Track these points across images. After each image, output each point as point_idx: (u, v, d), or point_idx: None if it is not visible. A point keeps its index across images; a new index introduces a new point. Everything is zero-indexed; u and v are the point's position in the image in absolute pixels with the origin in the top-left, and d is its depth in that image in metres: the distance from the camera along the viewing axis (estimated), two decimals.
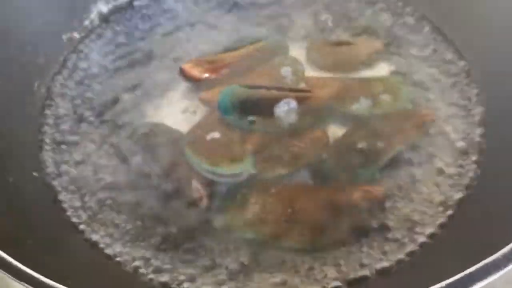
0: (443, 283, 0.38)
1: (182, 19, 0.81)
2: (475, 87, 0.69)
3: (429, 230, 0.56)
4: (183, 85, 0.71)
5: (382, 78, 0.71)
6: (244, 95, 0.65)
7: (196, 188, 0.59)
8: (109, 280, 0.54)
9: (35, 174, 0.63)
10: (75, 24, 0.80)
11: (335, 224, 0.57)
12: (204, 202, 0.58)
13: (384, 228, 0.57)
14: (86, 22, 0.81)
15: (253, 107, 0.64)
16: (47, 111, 0.71)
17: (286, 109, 0.63)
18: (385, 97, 0.67)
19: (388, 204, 0.58)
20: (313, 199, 0.59)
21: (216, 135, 0.62)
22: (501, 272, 0.39)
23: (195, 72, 0.70)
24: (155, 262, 0.56)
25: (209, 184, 0.60)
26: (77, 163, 0.65)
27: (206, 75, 0.70)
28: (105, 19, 0.82)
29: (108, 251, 0.57)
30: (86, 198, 0.62)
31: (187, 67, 0.71)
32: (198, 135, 0.63)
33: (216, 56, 0.73)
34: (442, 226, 0.57)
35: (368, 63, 0.73)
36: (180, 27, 0.80)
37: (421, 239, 0.56)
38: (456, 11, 0.75)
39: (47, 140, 0.67)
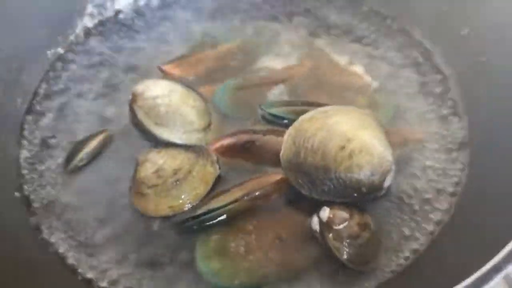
0: None
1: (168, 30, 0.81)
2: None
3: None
4: None
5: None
6: (239, 85, 0.70)
7: None
8: None
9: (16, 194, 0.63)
10: (60, 39, 0.80)
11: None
12: None
13: None
14: (71, 37, 0.81)
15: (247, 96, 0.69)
16: (27, 127, 0.70)
17: None
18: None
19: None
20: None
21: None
22: None
23: (176, 72, 0.74)
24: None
25: None
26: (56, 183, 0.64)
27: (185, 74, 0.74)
28: (90, 33, 0.82)
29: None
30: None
31: (168, 68, 0.74)
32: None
33: (194, 57, 0.77)
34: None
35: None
36: (164, 38, 0.80)
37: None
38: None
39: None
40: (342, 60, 0.75)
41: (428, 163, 0.63)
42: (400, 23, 0.78)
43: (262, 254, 0.55)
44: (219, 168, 0.62)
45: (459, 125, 0.66)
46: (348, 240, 0.54)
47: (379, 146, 0.55)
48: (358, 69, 0.73)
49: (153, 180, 0.59)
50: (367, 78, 0.72)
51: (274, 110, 0.66)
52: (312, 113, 0.59)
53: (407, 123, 0.67)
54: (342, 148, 0.54)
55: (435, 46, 0.75)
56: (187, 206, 0.59)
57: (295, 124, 0.59)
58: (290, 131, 0.59)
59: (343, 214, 0.55)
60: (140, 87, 0.66)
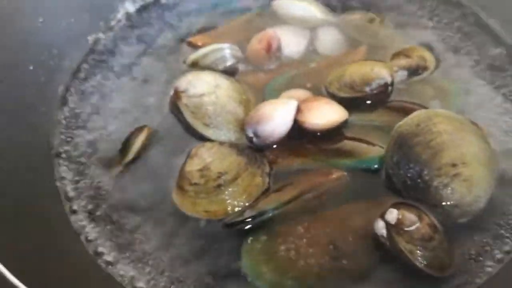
0: None
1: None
2: None
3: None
4: None
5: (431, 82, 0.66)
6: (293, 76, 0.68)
7: None
8: None
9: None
10: (101, 25, 0.78)
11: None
12: None
13: None
14: (113, 23, 0.79)
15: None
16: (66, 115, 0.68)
17: None
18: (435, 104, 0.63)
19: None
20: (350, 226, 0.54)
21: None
22: None
23: (203, 43, 0.73)
24: None
25: None
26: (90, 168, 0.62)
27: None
28: (132, 18, 0.80)
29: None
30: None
31: (195, 39, 0.75)
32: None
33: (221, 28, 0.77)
34: None
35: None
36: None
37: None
38: None
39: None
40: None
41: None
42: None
43: (313, 261, 0.52)
44: (269, 182, 0.58)
45: None
46: (421, 243, 0.51)
47: (482, 190, 0.53)
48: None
49: (196, 178, 0.56)
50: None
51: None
52: (448, 113, 0.57)
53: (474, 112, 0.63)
54: (454, 165, 0.53)
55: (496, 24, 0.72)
56: (223, 215, 0.55)
57: (430, 111, 0.58)
58: (422, 112, 0.57)
59: (411, 216, 0.52)
60: (183, 83, 0.64)
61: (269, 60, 0.70)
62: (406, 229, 0.51)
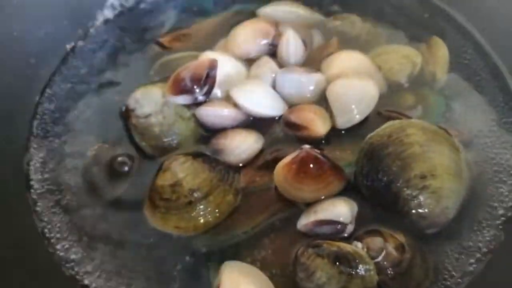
0: None
1: None
2: None
3: None
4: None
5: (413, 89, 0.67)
6: None
7: None
8: None
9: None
10: (80, 32, 0.77)
11: None
12: None
13: None
14: (92, 30, 0.78)
15: None
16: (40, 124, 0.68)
17: None
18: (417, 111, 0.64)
19: None
20: None
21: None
22: None
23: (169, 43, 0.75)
24: None
25: None
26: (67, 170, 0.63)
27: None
28: (110, 25, 0.79)
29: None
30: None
31: (166, 41, 0.75)
32: None
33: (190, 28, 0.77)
34: None
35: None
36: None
37: None
38: None
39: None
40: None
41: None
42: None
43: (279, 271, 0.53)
44: (240, 199, 0.58)
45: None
46: (392, 269, 0.50)
47: (451, 201, 0.53)
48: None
49: (168, 193, 0.56)
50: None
51: None
52: (423, 123, 0.57)
53: (456, 122, 0.63)
54: (423, 177, 0.53)
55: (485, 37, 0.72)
56: (193, 231, 0.56)
57: (403, 121, 0.57)
58: (395, 122, 0.57)
59: (377, 241, 0.51)
60: (132, 101, 0.63)
61: None
62: (374, 260, 0.50)
